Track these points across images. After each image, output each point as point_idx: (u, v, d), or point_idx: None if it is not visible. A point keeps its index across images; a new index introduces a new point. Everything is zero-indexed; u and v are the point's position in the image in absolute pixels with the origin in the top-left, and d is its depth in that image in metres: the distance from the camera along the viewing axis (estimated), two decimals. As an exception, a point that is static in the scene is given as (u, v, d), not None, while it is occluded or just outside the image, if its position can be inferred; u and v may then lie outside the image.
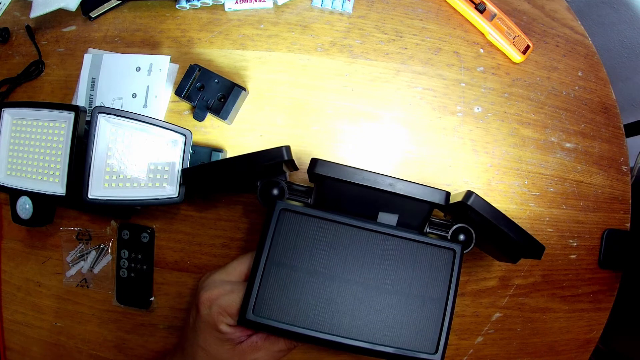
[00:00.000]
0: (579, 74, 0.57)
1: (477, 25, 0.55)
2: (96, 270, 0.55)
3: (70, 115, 0.46)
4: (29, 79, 0.58)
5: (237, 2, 0.56)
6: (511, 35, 0.54)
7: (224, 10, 0.56)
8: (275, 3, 0.56)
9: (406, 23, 0.56)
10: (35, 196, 0.48)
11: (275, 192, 0.43)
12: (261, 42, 0.55)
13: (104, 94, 0.55)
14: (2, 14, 0.61)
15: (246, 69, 0.55)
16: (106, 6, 0.57)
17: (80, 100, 0.55)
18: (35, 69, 0.58)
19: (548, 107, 0.56)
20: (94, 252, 0.55)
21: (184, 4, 0.56)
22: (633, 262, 0.54)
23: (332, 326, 0.38)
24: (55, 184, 0.47)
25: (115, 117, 0.46)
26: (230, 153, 0.54)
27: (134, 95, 0.54)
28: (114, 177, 0.46)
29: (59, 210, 0.55)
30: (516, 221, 0.53)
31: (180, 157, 0.48)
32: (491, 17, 0.55)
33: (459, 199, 0.40)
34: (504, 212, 0.42)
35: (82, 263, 0.55)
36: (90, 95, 0.55)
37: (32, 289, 0.56)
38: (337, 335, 0.38)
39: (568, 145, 0.55)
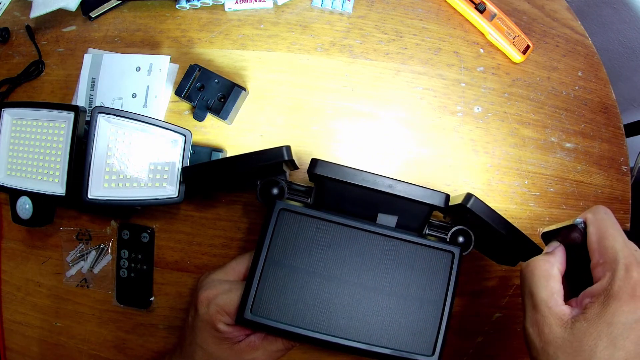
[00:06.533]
0: (579, 74, 0.57)
1: (477, 25, 0.55)
2: (96, 270, 0.55)
3: (70, 115, 0.46)
4: (29, 79, 0.58)
5: (237, 2, 0.56)
6: (511, 35, 0.54)
7: (224, 10, 0.56)
8: (275, 3, 0.56)
9: (406, 23, 0.56)
10: (35, 196, 0.48)
11: (275, 191, 0.43)
12: (261, 42, 0.55)
13: (104, 94, 0.55)
14: (2, 14, 0.61)
15: (246, 69, 0.55)
16: (106, 6, 0.57)
17: (80, 100, 0.55)
18: (35, 69, 0.58)
19: (548, 107, 0.56)
20: (94, 252, 0.55)
21: (184, 4, 0.56)
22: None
23: (330, 326, 0.38)
24: (55, 184, 0.47)
25: (115, 117, 0.46)
26: (230, 153, 0.54)
27: (134, 95, 0.54)
28: (113, 177, 0.46)
29: (59, 210, 0.55)
30: (516, 221, 0.53)
31: (180, 157, 0.48)
32: (491, 17, 0.55)
33: (459, 201, 0.40)
34: (504, 213, 0.42)
35: (82, 263, 0.55)
36: (90, 95, 0.55)
37: (32, 289, 0.56)
38: (334, 336, 0.38)
39: (568, 145, 0.55)
